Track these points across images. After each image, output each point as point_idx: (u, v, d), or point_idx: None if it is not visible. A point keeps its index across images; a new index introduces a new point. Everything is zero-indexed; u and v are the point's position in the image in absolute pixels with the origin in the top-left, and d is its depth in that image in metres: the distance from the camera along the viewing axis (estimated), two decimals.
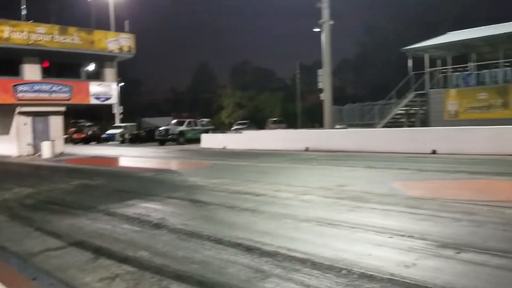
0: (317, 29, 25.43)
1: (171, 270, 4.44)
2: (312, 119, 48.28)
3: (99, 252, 5.18)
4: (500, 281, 3.89)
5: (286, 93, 61.01)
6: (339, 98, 32.92)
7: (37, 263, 4.87)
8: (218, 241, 5.44)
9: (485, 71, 25.05)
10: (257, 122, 45.66)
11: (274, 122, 45.35)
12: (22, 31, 21.28)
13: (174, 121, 33.78)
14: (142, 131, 37.34)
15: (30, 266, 4.80)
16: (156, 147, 27.85)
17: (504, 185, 9.20)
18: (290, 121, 47.25)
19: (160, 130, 30.91)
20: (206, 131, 29.85)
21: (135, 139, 34.92)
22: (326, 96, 24.34)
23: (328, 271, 4.20)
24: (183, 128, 30.53)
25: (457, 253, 4.58)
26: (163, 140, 30.18)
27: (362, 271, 4.13)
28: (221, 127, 44.30)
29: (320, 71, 25.66)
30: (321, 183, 9.78)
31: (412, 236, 5.23)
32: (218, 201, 8.08)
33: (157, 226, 6.34)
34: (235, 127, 44.08)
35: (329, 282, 3.94)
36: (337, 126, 30.29)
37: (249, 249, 5.01)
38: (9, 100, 21.80)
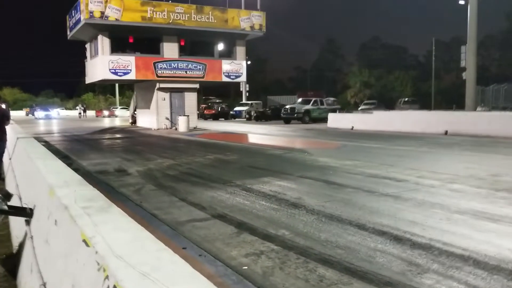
0: (462, 1, 22.88)
1: (316, 253, 4.27)
2: (448, 100, 44.38)
3: (241, 226, 5.23)
4: None
5: (419, 71, 56.92)
6: (480, 78, 29.55)
7: (185, 232, 5.07)
8: (361, 227, 5.13)
9: None
10: (386, 102, 43.47)
11: (405, 102, 42.63)
12: (162, 11, 22.89)
13: (300, 99, 33.75)
14: (267, 109, 38.09)
15: (179, 234, 5.01)
16: (281, 125, 28.15)
17: None
18: (423, 102, 44.04)
19: (286, 109, 31.15)
20: (333, 111, 29.25)
21: (260, 117, 35.78)
22: (469, 76, 22.02)
23: (496, 273, 3.65)
24: (309, 107, 30.35)
25: None
26: (289, 118, 30.37)
27: None
28: (346, 107, 43.13)
29: (463, 48, 23.22)
30: (470, 171, 8.79)
31: None
32: (355, 184, 7.71)
33: (295, 205, 6.23)
34: (362, 107, 42.59)
35: (500, 285, 3.39)
36: (479, 109, 27.35)
37: (397, 239, 4.62)
38: (150, 76, 23.79)
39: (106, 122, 36.05)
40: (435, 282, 3.52)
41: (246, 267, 3.96)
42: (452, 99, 40.55)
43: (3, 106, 14.40)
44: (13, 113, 53.46)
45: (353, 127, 23.18)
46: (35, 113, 51.17)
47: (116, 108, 59.57)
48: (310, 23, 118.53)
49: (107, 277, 1.62)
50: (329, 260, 4.09)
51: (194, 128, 24.72)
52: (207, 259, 4.21)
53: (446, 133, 18.21)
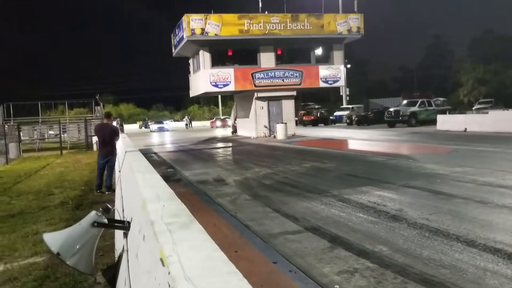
0: None
1: (416, 272, 3.90)
2: None
3: (335, 241, 4.98)
4: None
5: None
6: None
7: (277, 245, 4.96)
8: (470, 243, 4.58)
9: None
10: (504, 100, 39.39)
11: None
12: (259, 23, 23.33)
13: (405, 101, 32.00)
14: (369, 113, 36.75)
15: (270, 247, 4.92)
16: (385, 130, 26.91)
17: None
18: None
19: (389, 111, 29.72)
20: (442, 112, 27.22)
21: (362, 121, 34.63)
22: None
23: None
24: (415, 108, 28.59)
25: None
26: (393, 121, 28.91)
27: None
28: (458, 107, 39.86)
29: None
30: None
31: None
32: (465, 194, 6.98)
33: (395, 218, 5.80)
34: (476, 106, 39.12)
35: None
36: None
37: None
38: (249, 86, 24.35)
39: (210, 132, 37.69)
40: None
41: (337, 286, 3.73)
42: None
43: (115, 122, 15.80)
44: (128, 127, 58.63)
45: (466, 129, 21.32)
46: (150, 126, 52.07)
47: (220, 118, 62.21)
48: (413, 20, 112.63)
49: None
50: (430, 281, 3.69)
51: (292, 135, 24.72)
52: (298, 275, 4.05)
53: None
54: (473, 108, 37.66)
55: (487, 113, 23.07)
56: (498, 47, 54.90)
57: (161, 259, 2.03)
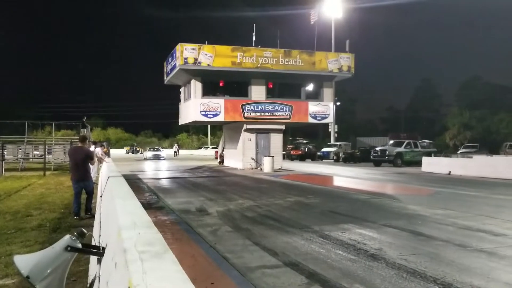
0: None
1: None
2: None
3: (313, 277, 4.94)
4: None
5: None
6: None
7: (254, 279, 4.90)
8: (447, 287, 4.57)
9: None
10: (489, 146, 40.14)
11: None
12: (251, 56, 23.76)
13: (392, 141, 32.43)
14: (356, 151, 37.09)
15: (247, 281, 4.85)
16: (370, 168, 27.10)
17: None
18: None
19: (376, 151, 30.03)
20: (428, 154, 27.58)
21: (349, 158, 34.89)
22: None
23: None
24: (401, 149, 28.95)
25: None
26: (379, 161, 29.17)
27: None
28: (444, 150, 40.46)
29: None
30: None
31: None
32: (445, 237, 7.01)
33: (374, 257, 5.78)
34: (461, 150, 39.76)
35: None
36: None
37: None
38: (238, 118, 24.53)
39: (198, 161, 37.55)
40: None
41: None
42: None
43: (99, 149, 15.68)
44: (115, 151, 58.04)
45: (450, 172, 21.57)
46: (144, 153, 45.77)
47: (207, 147, 62.16)
48: (403, 63, 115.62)
49: None
50: None
51: (279, 168, 24.75)
52: None
53: None
54: (458, 152, 38.24)
55: (471, 157, 23.43)
56: (484, 94, 56.36)
57: None
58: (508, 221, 8.36)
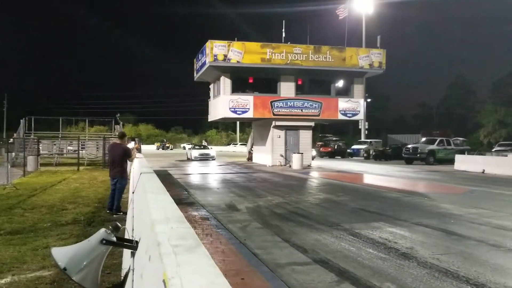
0: None
1: None
2: None
3: (343, 275, 4.91)
4: None
5: None
6: None
7: (283, 275, 4.92)
8: (480, 287, 4.46)
9: None
10: None
11: None
12: (281, 52, 23.71)
13: (424, 139, 31.74)
14: (387, 148, 36.47)
15: (277, 277, 4.87)
16: (402, 166, 26.61)
17: None
18: None
19: (407, 148, 29.48)
20: (461, 152, 26.87)
21: (380, 156, 34.34)
22: None
23: None
24: (433, 147, 28.31)
25: None
26: (411, 158, 28.62)
27: None
28: (478, 148, 39.33)
29: None
30: None
31: None
32: (479, 236, 6.84)
33: (405, 256, 5.70)
34: (496, 148, 38.54)
35: None
36: None
37: None
38: (267, 115, 24.54)
39: (226, 158, 37.78)
40: None
41: None
42: None
43: (133, 143, 15.92)
44: (145, 147, 58.95)
45: (484, 170, 20.96)
46: (189, 151, 34.88)
47: (236, 144, 62.48)
48: (437, 58, 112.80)
49: None
50: None
51: (308, 166, 24.64)
52: None
53: None
54: (493, 150, 37.07)
55: (506, 155, 22.68)
56: None
57: (163, 281, 2.05)
58: None
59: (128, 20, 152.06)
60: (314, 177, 18.38)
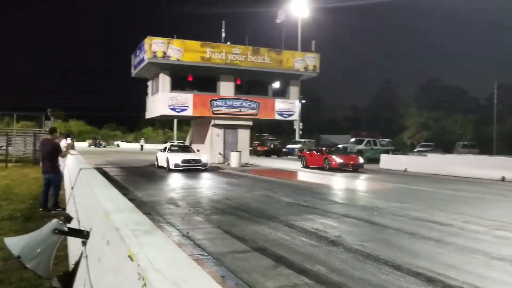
0: None
1: None
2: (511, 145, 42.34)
3: (279, 260, 5.45)
4: None
5: (479, 115, 54.97)
6: None
7: (226, 262, 5.36)
8: (397, 268, 5.19)
9: None
10: (443, 145, 42.15)
11: (464, 146, 41.21)
12: (220, 52, 24.13)
13: (353, 139, 33.61)
14: (320, 148, 38.07)
15: (220, 264, 5.31)
16: None
17: None
18: (483, 147, 42.29)
19: (338, 148, 31.09)
20: (386, 152, 28.82)
21: None
22: None
23: None
24: (361, 147, 30.15)
25: None
26: None
27: None
28: (402, 148, 42.15)
29: None
30: None
31: None
32: (398, 226, 7.71)
33: (334, 243, 6.37)
34: (417, 149, 41.58)
35: None
36: None
37: (430, 281, 4.67)
38: (206, 113, 24.85)
39: None
40: None
41: None
42: None
43: (67, 140, 15.52)
44: (76, 144, 56.24)
45: (406, 169, 22.72)
46: (170, 157, 20.40)
47: (174, 142, 61.93)
48: (367, 63, 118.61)
49: (145, 284, 1.96)
50: None
51: (246, 164, 25.24)
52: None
53: (503, 179, 17.46)
54: (414, 151, 39.95)
55: (426, 155, 24.74)
56: (441, 96, 58.87)
57: (129, 256, 2.42)
58: (454, 213, 9.19)
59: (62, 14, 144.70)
60: (252, 175, 18.99)
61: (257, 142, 43.52)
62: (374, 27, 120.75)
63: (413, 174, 20.76)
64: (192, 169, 19.72)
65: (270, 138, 47.15)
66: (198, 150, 22.76)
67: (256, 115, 25.88)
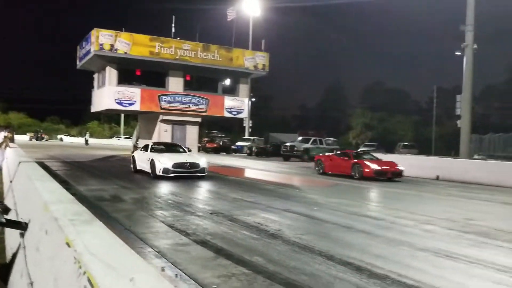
0: (458, 53, 23.63)
1: (282, 277, 4.67)
2: (448, 146, 44.95)
3: (220, 252, 5.65)
4: None
5: (420, 117, 57.93)
6: (481, 127, 30.33)
7: (167, 254, 5.48)
8: (329, 258, 5.53)
9: None
10: (386, 145, 44.07)
11: (405, 146, 43.41)
12: (170, 47, 23.95)
13: (300, 138, 34.42)
14: (268, 146, 38.70)
15: (161, 256, 5.43)
16: (280, 162, 28.64)
17: None
18: (423, 147, 44.66)
19: (285, 146, 31.77)
20: (331, 151, 29.80)
21: (261, 153, 36.34)
22: (463, 124, 22.63)
23: None
24: (308, 145, 30.98)
25: None
26: (288, 155, 30.94)
27: None
28: (347, 148, 43.66)
29: (458, 97, 23.95)
30: (447, 215, 9.20)
31: None
32: (335, 220, 8.13)
33: (274, 236, 6.65)
34: (361, 148, 43.21)
35: None
36: (476, 157, 27.85)
37: (359, 269, 5.02)
38: (154, 108, 24.59)
39: (110, 151, 36.60)
40: None
41: (215, 286, 4.37)
42: (452, 146, 41.07)
43: (4, 132, 14.85)
44: (16, 137, 53.72)
45: None
46: (156, 160, 14.65)
47: (120, 137, 60.49)
48: (317, 63, 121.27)
49: (80, 267, 2.08)
50: (292, 283, 4.49)
51: None
52: (182, 278, 4.62)
53: (437, 178, 18.63)
54: (358, 150, 41.49)
55: None
56: (385, 98, 61.45)
57: (67, 243, 2.54)
58: (388, 208, 9.80)
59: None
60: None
61: (206, 139, 43.48)
62: (325, 28, 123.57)
63: None
64: (186, 175, 14.65)
65: (220, 135, 47.25)
66: (190, 150, 18.52)
67: (205, 111, 25.92)
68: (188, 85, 25.59)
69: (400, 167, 17.17)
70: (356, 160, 17.54)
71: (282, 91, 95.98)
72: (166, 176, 14.27)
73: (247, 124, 44.66)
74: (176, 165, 14.58)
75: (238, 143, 43.30)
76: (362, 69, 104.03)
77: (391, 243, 6.46)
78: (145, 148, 16.80)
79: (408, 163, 20.57)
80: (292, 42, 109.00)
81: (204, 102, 25.76)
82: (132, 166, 17.19)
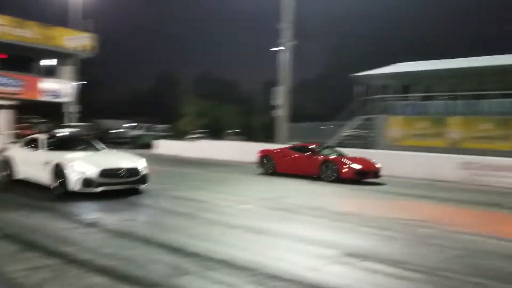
0: (275, 48, 25.68)
1: (97, 265, 4.67)
2: (271, 134, 49.05)
3: (29, 245, 5.35)
4: (387, 286, 4.43)
5: (248, 106, 61.70)
6: (301, 115, 34.06)
7: None
8: (147, 242, 5.70)
9: (427, 102, 26.60)
10: (217, 133, 45.85)
11: (232, 133, 45.82)
12: None
13: (129, 124, 33.63)
14: (94, 132, 36.70)
15: None
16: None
17: (423, 206, 9.90)
18: (250, 134, 47.74)
19: (113, 133, 30.64)
20: (162, 137, 29.82)
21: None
22: (280, 113, 25.08)
23: (241, 271, 4.60)
24: (137, 132, 30.47)
25: (361, 261, 5.11)
26: (116, 142, 29.90)
27: (270, 272, 4.56)
28: (180, 135, 44.11)
29: (273, 89, 26.16)
30: (263, 194, 10.25)
31: (326, 246, 5.74)
32: (158, 205, 8.36)
33: (92, 225, 6.52)
34: (191, 135, 44.16)
35: (240, 280, 4.34)
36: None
37: (175, 250, 5.32)
38: None
39: None
40: (190, 281, 4.28)
41: (22, 279, 4.17)
42: (273, 133, 44.98)
43: None
44: None
45: (178, 154, 23.97)
46: (69, 170, 8.70)
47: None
48: (149, 49, 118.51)
49: None
50: (108, 269, 4.52)
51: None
52: None
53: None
54: (189, 137, 42.39)
55: (197, 142, 26.78)
56: (216, 87, 63.87)
57: None
58: (213, 191, 10.44)
59: None
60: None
61: (24, 124, 39.02)
62: (161, 15, 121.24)
63: (184, 159, 22.01)
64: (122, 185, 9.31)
65: (41, 120, 42.86)
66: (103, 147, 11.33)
67: (20, 94, 23.27)
68: (4, 64, 22.50)
69: (378, 165, 13.77)
70: (325, 157, 13.75)
71: (117, 76, 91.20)
72: (87, 192, 8.70)
73: (73, 109, 41.46)
74: (106, 173, 8.92)
75: (57, 130, 39.95)
76: (195, 57, 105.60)
77: (208, 223, 6.98)
78: (32, 143, 10.42)
79: (231, 148, 21.89)
80: (129, 26, 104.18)
81: (17, 84, 23.07)
82: (5, 173, 10.74)
